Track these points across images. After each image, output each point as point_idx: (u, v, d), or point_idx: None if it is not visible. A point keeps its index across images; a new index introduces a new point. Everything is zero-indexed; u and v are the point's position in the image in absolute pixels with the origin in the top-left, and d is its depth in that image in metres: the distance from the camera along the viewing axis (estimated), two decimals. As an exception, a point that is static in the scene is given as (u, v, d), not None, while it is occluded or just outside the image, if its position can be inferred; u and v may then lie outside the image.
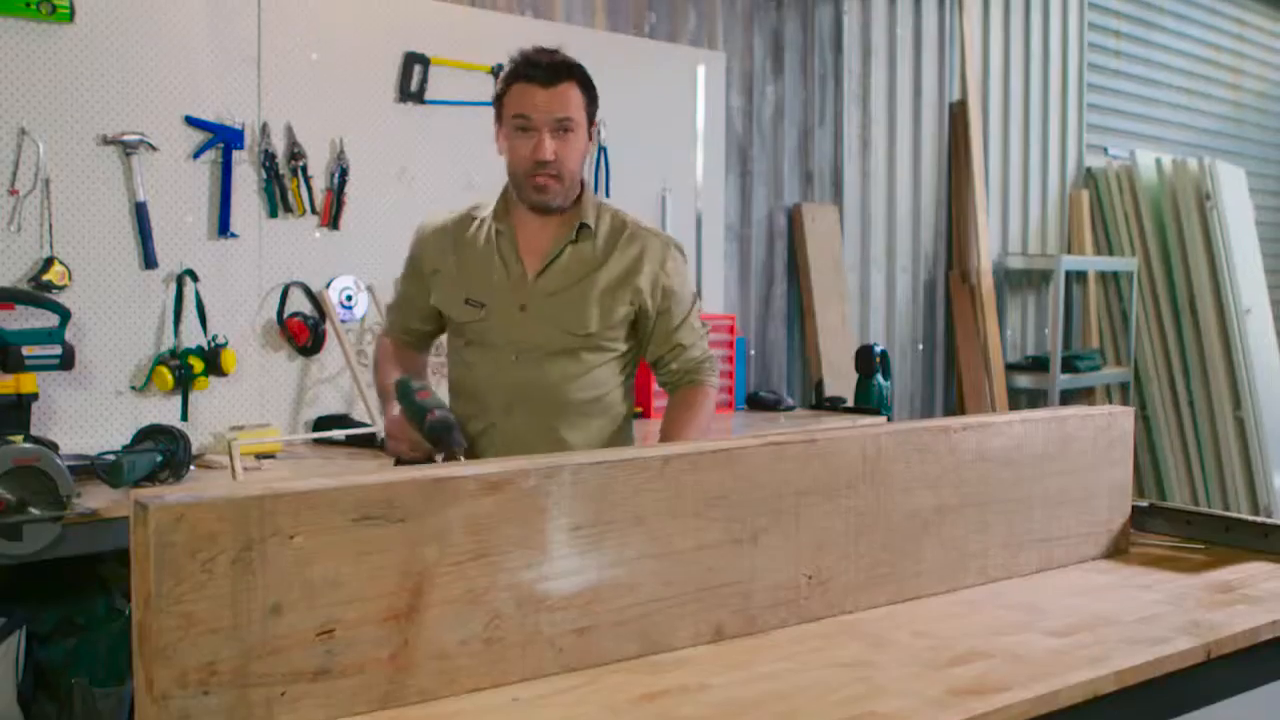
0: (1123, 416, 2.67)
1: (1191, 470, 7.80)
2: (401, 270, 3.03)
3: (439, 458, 2.61)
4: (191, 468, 3.39)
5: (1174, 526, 2.82)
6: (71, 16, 3.55)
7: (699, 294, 5.25)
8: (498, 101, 2.83)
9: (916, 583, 2.28)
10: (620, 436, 2.95)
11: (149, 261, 3.72)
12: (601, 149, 4.88)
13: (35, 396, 3.39)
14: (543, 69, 2.75)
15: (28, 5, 3.47)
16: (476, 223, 2.90)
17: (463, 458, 2.54)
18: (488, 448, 2.80)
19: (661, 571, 1.92)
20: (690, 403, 2.96)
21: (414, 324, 3.03)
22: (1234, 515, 2.79)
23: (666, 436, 2.90)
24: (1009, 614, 2.20)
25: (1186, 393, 7.77)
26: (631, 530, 1.88)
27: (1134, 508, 2.75)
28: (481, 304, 2.84)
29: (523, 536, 1.77)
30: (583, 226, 2.86)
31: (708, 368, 3.01)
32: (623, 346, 2.91)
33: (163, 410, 3.75)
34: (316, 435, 3.86)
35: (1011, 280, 7.38)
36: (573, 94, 2.78)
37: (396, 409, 2.72)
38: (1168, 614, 2.21)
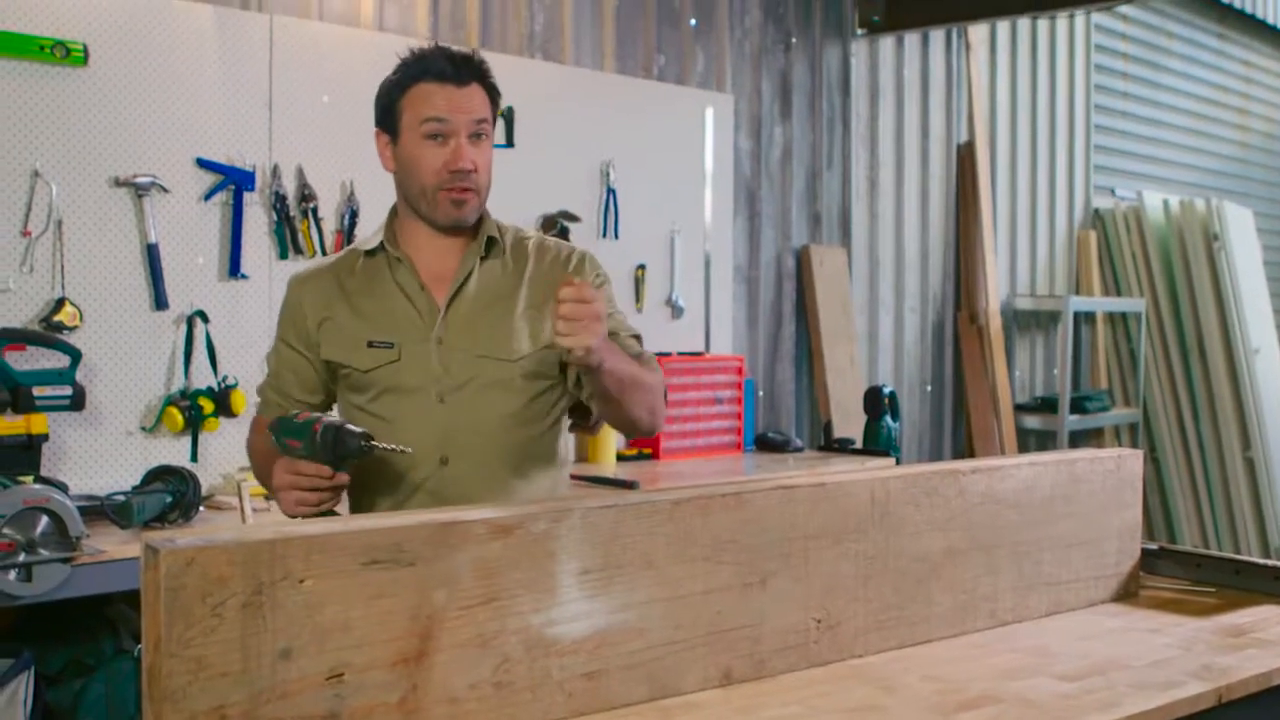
0: (1132, 459, 2.67)
1: (1201, 511, 7.77)
2: (274, 338, 2.66)
3: (342, 477, 2.25)
4: (201, 509, 3.39)
5: (1184, 569, 2.81)
6: (85, 60, 3.58)
7: (708, 336, 5.26)
8: (390, 108, 2.47)
9: (926, 626, 2.27)
10: (564, 484, 2.66)
11: (160, 302, 3.74)
12: (610, 190, 4.90)
13: (45, 437, 3.40)
14: (453, 65, 2.43)
15: (42, 49, 3.50)
16: (360, 258, 2.55)
17: (379, 447, 2.25)
18: (423, 508, 2.31)
19: (671, 615, 1.91)
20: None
21: (297, 394, 2.58)
22: (1244, 558, 2.78)
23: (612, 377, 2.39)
24: (1019, 658, 2.19)
25: (1196, 433, 7.75)
26: (641, 574, 1.88)
27: (1144, 550, 2.75)
28: (389, 343, 2.47)
29: (532, 580, 1.77)
30: (490, 241, 2.54)
31: (650, 360, 2.59)
32: (557, 372, 2.54)
33: (172, 451, 3.75)
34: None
35: (1020, 321, 7.38)
36: (481, 94, 2.48)
37: (280, 463, 2.30)
38: (1178, 658, 2.20)
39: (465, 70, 2.44)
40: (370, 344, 2.48)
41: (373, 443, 2.24)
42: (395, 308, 2.50)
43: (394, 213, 2.59)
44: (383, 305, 2.51)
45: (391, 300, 2.51)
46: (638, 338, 2.60)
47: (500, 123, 4.47)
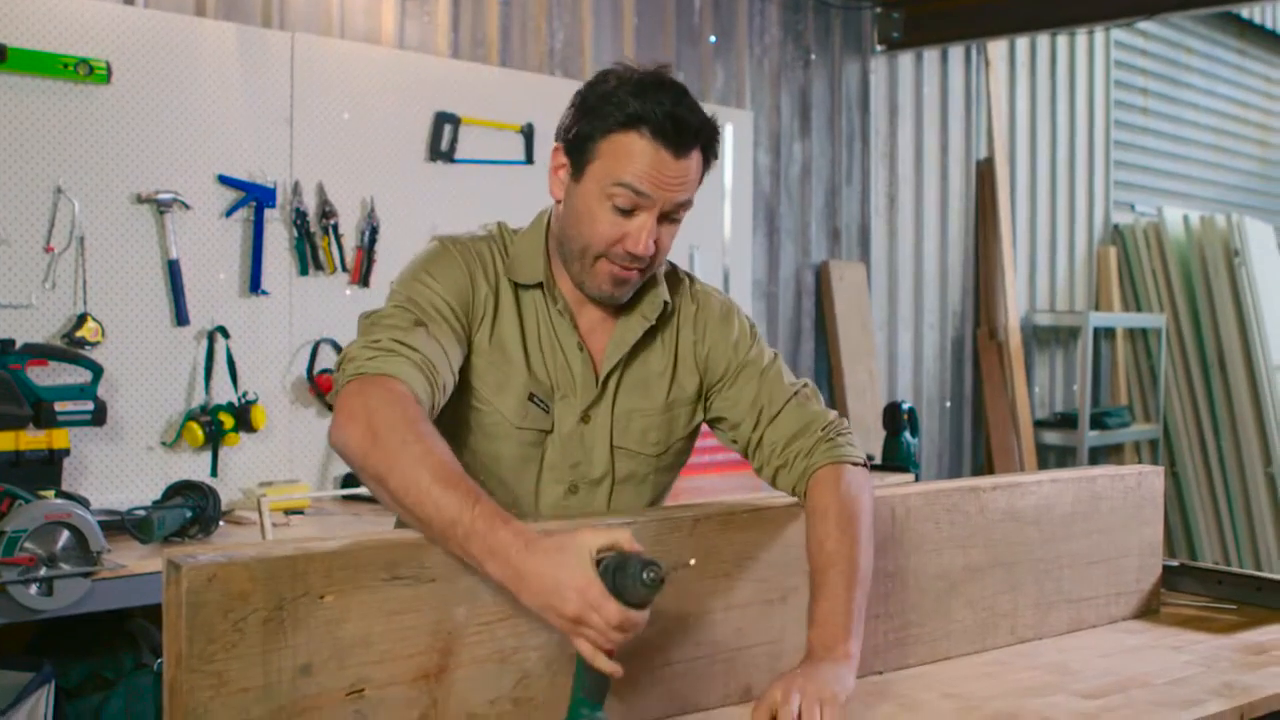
0: (1153, 476, 2.66)
1: (1222, 528, 7.74)
2: (419, 290, 2.01)
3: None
4: (221, 523, 3.40)
5: (1205, 586, 2.80)
6: (108, 78, 3.59)
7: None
8: (584, 141, 1.98)
9: (946, 643, 2.27)
10: None
11: (181, 318, 3.75)
12: (629, 207, 4.90)
13: (67, 452, 3.42)
14: (677, 127, 1.93)
15: (65, 67, 3.52)
16: (513, 284, 2.09)
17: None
18: None
19: (692, 632, 1.91)
20: (843, 501, 2.01)
21: (443, 377, 1.91)
22: (1266, 575, 2.77)
23: (826, 561, 1.95)
24: (1039, 675, 2.18)
25: (1216, 450, 7.72)
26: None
27: (1164, 567, 2.74)
28: (546, 406, 2.05)
29: (552, 596, 1.76)
30: (663, 309, 2.14)
31: (839, 435, 2.11)
32: (686, 458, 2.24)
33: (193, 466, 3.77)
34: (345, 492, 3.86)
35: (1039, 337, 7.37)
36: (697, 165, 1.99)
37: (569, 564, 1.60)
38: (1200, 675, 2.19)
39: (688, 137, 1.95)
40: (531, 396, 2.05)
41: (660, 576, 1.59)
42: (555, 363, 2.08)
43: (544, 237, 2.14)
44: (546, 352, 2.08)
45: (552, 351, 2.08)
46: (804, 390, 2.18)
47: (521, 139, 4.52)
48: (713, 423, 2.21)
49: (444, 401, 1.91)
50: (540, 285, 2.08)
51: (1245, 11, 8.54)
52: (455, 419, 2.05)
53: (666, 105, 1.92)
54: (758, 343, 2.20)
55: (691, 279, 2.24)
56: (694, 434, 2.22)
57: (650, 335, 2.13)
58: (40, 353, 3.43)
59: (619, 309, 2.11)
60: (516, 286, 2.09)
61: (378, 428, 1.72)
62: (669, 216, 1.98)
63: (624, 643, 1.61)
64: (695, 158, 1.97)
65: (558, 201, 2.08)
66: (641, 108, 1.91)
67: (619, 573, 1.57)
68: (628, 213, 1.95)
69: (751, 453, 2.15)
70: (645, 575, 1.56)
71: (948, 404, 6.76)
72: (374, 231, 4.16)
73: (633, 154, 1.92)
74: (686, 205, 1.99)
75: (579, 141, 1.99)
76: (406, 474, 1.67)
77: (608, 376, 2.09)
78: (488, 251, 2.09)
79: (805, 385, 2.17)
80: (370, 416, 1.74)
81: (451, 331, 1.96)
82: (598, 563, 1.59)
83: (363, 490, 3.92)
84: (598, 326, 2.11)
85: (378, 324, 1.93)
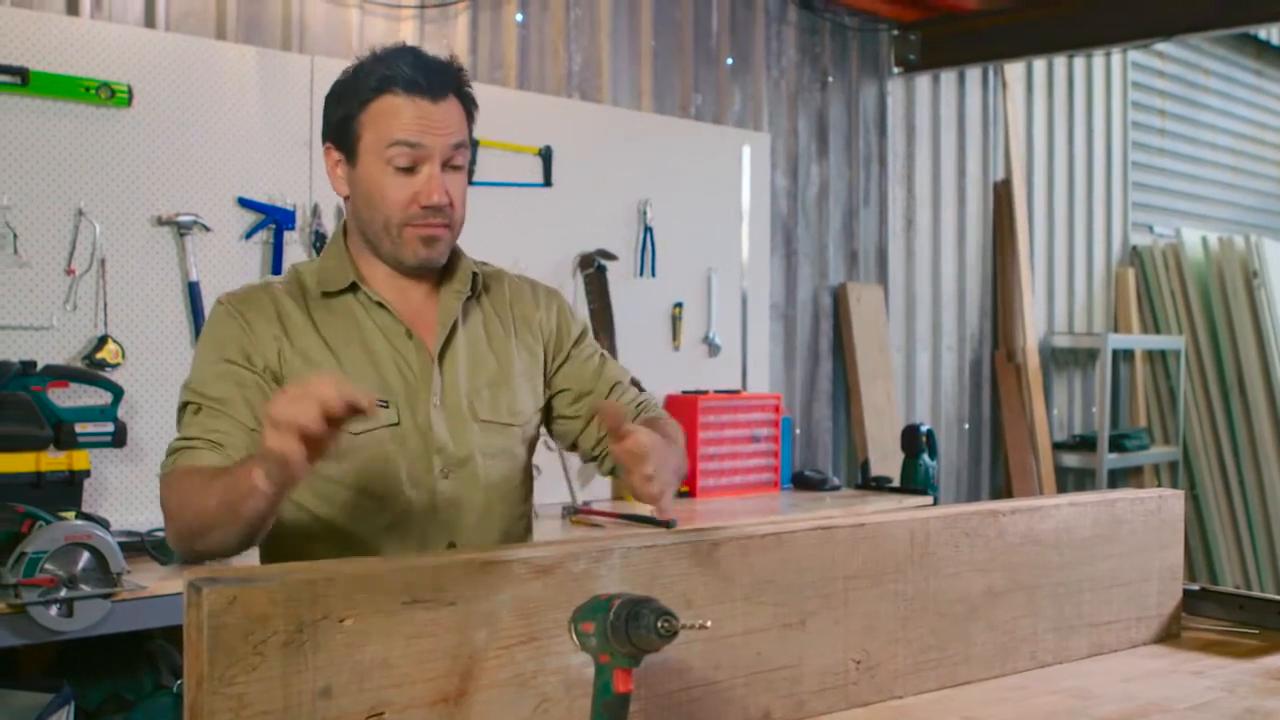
0: (1173, 500, 2.65)
1: (1243, 551, 7.70)
2: (195, 370, 2.08)
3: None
4: (240, 545, 3.41)
5: (1226, 611, 2.78)
6: (129, 101, 3.62)
7: (745, 373, 5.26)
8: (346, 122, 2.04)
9: (966, 667, 2.26)
10: None
11: (201, 340, 3.76)
12: (647, 228, 4.92)
13: (87, 473, 3.43)
14: (427, 73, 2.00)
15: (87, 90, 3.54)
16: (308, 297, 2.11)
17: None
18: None
19: (709, 655, 1.91)
20: (653, 419, 2.22)
21: (237, 439, 1.98)
22: (1287, 600, 2.76)
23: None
24: (1060, 700, 2.17)
25: (1237, 472, 7.69)
26: (680, 614, 1.87)
27: (1185, 591, 2.72)
28: (385, 402, 2.04)
29: (571, 619, 1.76)
30: (474, 280, 2.20)
31: (651, 407, 2.31)
32: (539, 431, 2.28)
33: (212, 488, 3.77)
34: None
35: (1058, 359, 7.35)
36: (458, 110, 2.06)
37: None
38: (1221, 701, 2.18)
39: (442, 80, 2.02)
40: None
41: (674, 629, 1.55)
42: (381, 357, 2.09)
43: (343, 243, 2.16)
44: (365, 352, 2.09)
45: (376, 347, 2.09)
46: (636, 383, 2.34)
47: (539, 162, 4.54)
48: (551, 399, 2.28)
49: (254, 445, 1.91)
50: (352, 287, 2.11)
51: (1263, 32, 8.54)
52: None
53: (408, 58, 2.01)
54: (589, 334, 2.34)
55: (501, 268, 2.33)
56: (542, 415, 2.27)
57: (480, 309, 2.19)
58: (61, 374, 3.45)
59: (436, 287, 2.16)
60: (324, 299, 2.10)
61: (175, 510, 1.91)
62: (449, 164, 2.03)
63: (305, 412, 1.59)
64: (453, 101, 2.04)
65: (346, 199, 2.12)
66: (386, 69, 1.99)
67: (631, 620, 1.55)
68: (410, 170, 2.00)
69: (571, 418, 2.27)
70: (660, 625, 1.54)
71: (966, 426, 6.75)
72: (393, 254, 4.16)
73: (394, 111, 1.98)
74: (462, 150, 2.05)
75: (341, 127, 2.05)
76: (194, 501, 1.86)
77: (442, 353, 2.12)
78: (263, 294, 2.10)
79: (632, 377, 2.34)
80: (171, 510, 1.93)
81: (237, 388, 2.01)
82: (610, 605, 1.58)
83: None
84: (423, 311, 2.14)
85: (179, 433, 2.04)
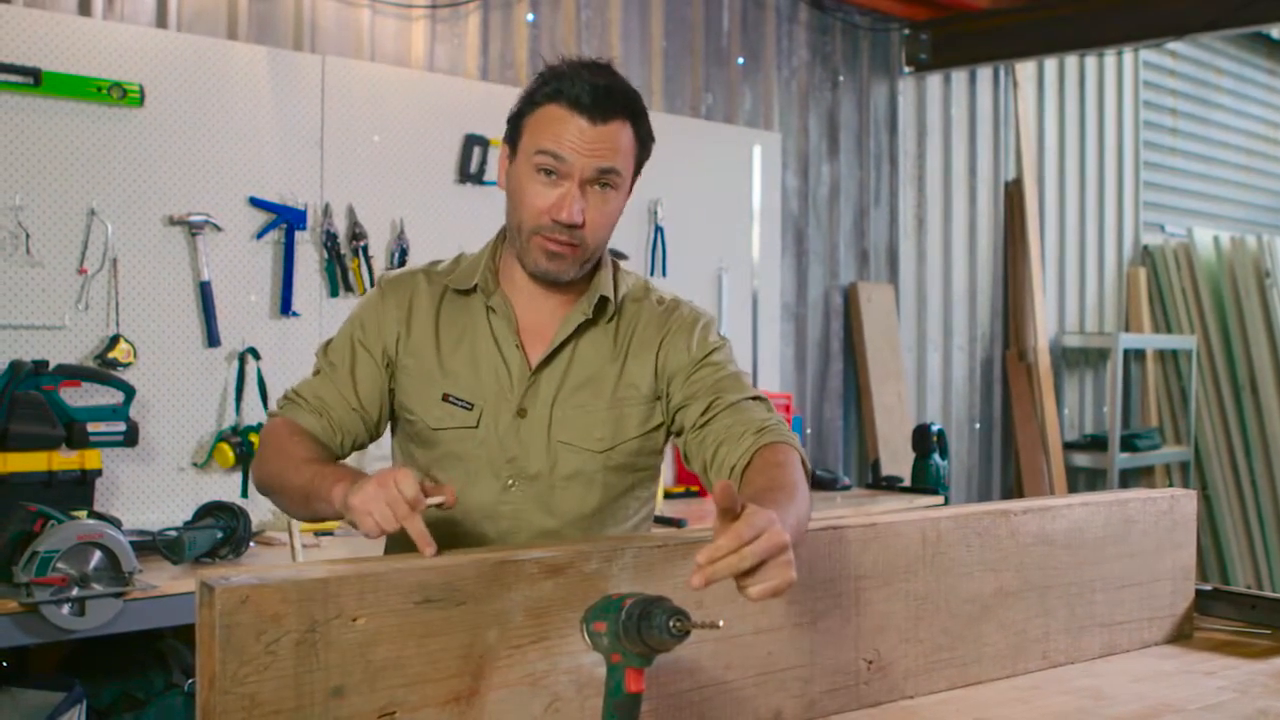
0: (1185, 500, 2.64)
1: (1255, 550, 7.68)
2: (338, 335, 2.21)
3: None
4: (251, 544, 3.41)
5: (1238, 611, 2.78)
6: (141, 101, 3.63)
7: (756, 373, 5.25)
8: (515, 121, 2.10)
9: (978, 667, 2.26)
10: None
11: (212, 340, 3.77)
12: (658, 228, 4.92)
13: (99, 472, 3.44)
14: (593, 95, 2.01)
15: (99, 90, 3.55)
16: (446, 290, 2.19)
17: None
18: None
19: (721, 655, 1.91)
20: (779, 462, 1.96)
21: (338, 413, 2.13)
22: (1300, 600, 2.75)
23: (766, 495, 1.79)
24: (1072, 700, 2.17)
25: (1248, 472, 7.67)
26: (692, 613, 1.87)
27: (1197, 591, 2.72)
28: (469, 405, 2.11)
29: (583, 619, 1.76)
30: (602, 301, 2.16)
31: (780, 429, 2.06)
32: (655, 462, 2.23)
33: (224, 487, 3.78)
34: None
35: (1069, 359, 7.34)
36: (624, 137, 2.07)
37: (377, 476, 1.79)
38: (1233, 701, 2.17)
39: (607, 103, 2.02)
40: (446, 398, 2.12)
41: (686, 629, 1.55)
42: (482, 361, 2.13)
43: (500, 240, 2.22)
44: (470, 353, 2.14)
45: (481, 350, 2.14)
46: (760, 399, 2.14)
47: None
48: (673, 415, 2.16)
49: (353, 420, 2.13)
50: (475, 288, 2.16)
51: (1275, 31, 8.51)
52: (405, 439, 2.22)
53: (585, 77, 2.03)
54: (726, 349, 2.19)
55: (658, 292, 2.25)
56: (653, 439, 2.18)
57: (599, 332, 2.16)
58: (73, 374, 3.46)
59: (566, 304, 2.15)
60: (458, 294, 2.18)
61: (267, 457, 2.08)
62: (595, 184, 2.03)
63: (400, 510, 1.73)
64: (617, 127, 2.04)
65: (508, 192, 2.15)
66: (561, 83, 2.03)
67: (644, 620, 1.55)
68: (552, 178, 2.02)
69: (694, 429, 2.09)
70: (672, 624, 1.54)
71: (977, 426, 6.74)
72: (404, 253, 4.18)
73: (552, 120, 2.02)
74: (612, 175, 2.04)
75: (512, 123, 2.10)
76: (283, 468, 2.02)
77: (539, 370, 2.12)
78: (408, 281, 2.22)
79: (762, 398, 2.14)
80: (265, 454, 2.10)
81: (353, 365, 2.15)
82: (622, 604, 1.57)
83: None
84: (548, 323, 2.15)
85: (299, 385, 2.19)
